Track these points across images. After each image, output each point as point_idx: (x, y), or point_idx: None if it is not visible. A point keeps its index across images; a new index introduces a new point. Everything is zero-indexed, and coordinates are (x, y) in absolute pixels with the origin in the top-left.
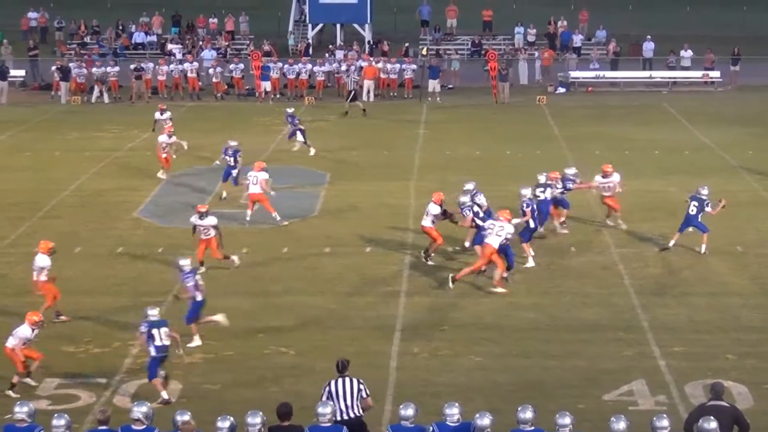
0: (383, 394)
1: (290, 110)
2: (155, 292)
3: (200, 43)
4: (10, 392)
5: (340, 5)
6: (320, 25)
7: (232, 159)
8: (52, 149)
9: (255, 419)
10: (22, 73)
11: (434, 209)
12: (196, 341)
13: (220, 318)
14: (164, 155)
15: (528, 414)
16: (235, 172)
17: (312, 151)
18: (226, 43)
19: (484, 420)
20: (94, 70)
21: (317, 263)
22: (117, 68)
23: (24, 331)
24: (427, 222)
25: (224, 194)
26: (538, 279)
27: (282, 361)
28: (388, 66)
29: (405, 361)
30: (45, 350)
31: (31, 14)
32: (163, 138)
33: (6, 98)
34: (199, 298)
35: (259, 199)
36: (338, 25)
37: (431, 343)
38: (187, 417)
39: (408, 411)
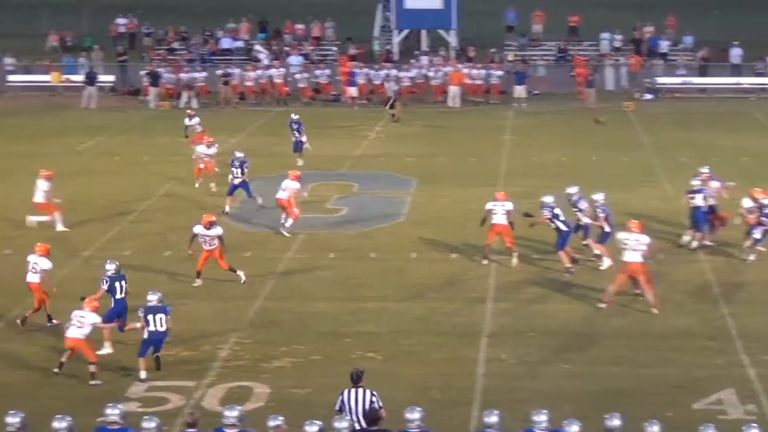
0: (470, 401)
1: (295, 116)
2: (241, 296)
3: (287, 48)
4: (95, 381)
5: (426, 11)
6: (406, 31)
7: (239, 170)
8: (141, 153)
9: (342, 423)
10: (111, 78)
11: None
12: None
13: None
14: (201, 165)
15: (616, 422)
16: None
17: (300, 162)
18: (313, 49)
19: (573, 428)
20: (182, 75)
21: (404, 268)
22: (205, 74)
23: (92, 318)
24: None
25: (227, 208)
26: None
27: (369, 365)
28: (473, 72)
29: (492, 367)
30: (134, 353)
31: (121, 20)
32: (201, 149)
33: (96, 103)
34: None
35: (284, 205)
36: (424, 31)
37: (518, 349)
38: (279, 421)
39: (492, 418)
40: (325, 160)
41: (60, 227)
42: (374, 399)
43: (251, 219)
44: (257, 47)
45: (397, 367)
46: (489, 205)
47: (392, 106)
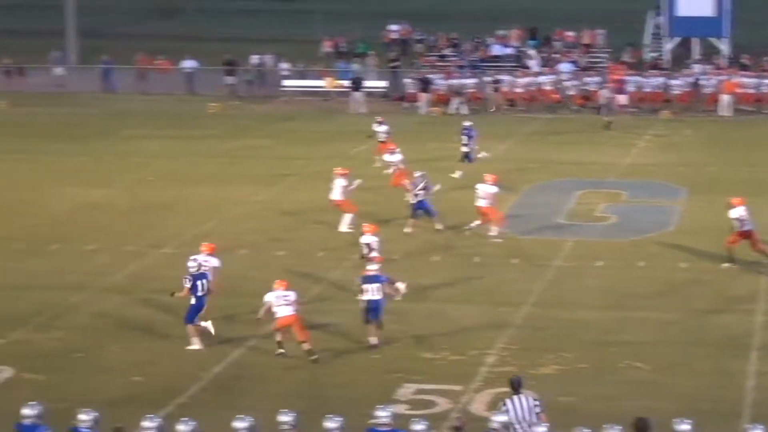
0: (739, 414)
1: (468, 123)
2: (509, 302)
3: (557, 55)
4: (314, 357)
5: (698, 19)
6: (677, 39)
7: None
8: (411, 159)
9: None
10: (383, 84)
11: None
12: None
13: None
14: (392, 171)
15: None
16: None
17: (458, 174)
18: (582, 56)
19: None
20: (452, 81)
21: (672, 278)
22: (475, 80)
23: (293, 294)
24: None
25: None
26: None
27: (637, 376)
28: (745, 80)
29: (763, 380)
30: (404, 356)
31: (393, 27)
32: (387, 157)
33: (365, 108)
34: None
35: (485, 212)
36: (695, 39)
37: None
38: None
39: None
40: (594, 168)
41: (344, 228)
42: (537, 403)
43: (521, 225)
44: (529, 53)
45: (664, 378)
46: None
47: (605, 113)
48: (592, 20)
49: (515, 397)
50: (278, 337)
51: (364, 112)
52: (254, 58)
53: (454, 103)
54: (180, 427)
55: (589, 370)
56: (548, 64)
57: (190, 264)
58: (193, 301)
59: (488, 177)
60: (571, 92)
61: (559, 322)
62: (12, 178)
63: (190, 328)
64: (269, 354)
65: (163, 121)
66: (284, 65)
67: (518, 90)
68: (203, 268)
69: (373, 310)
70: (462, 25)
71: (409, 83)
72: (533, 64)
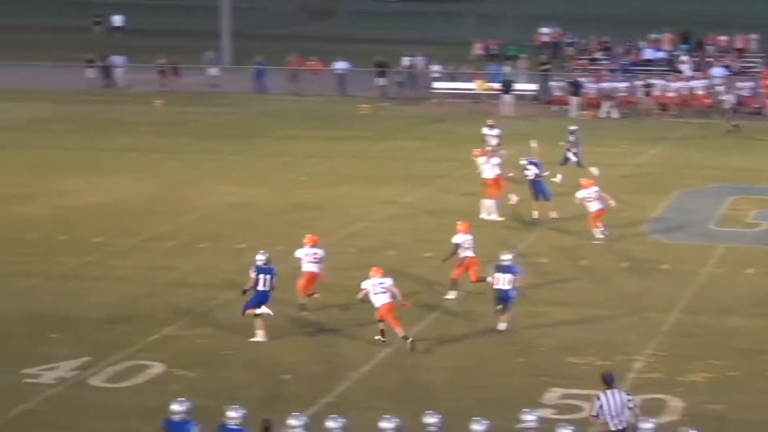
0: None
1: (573, 127)
2: (656, 308)
3: (710, 60)
4: (411, 341)
5: None
6: None
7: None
8: (553, 163)
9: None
10: (533, 87)
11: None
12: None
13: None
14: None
15: None
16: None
17: (558, 177)
18: (736, 61)
19: None
20: (603, 85)
21: None
22: (626, 84)
23: (389, 281)
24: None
25: (535, 214)
26: None
27: None
28: None
29: None
30: (550, 360)
31: (545, 30)
32: (481, 160)
33: (514, 111)
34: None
35: (595, 214)
36: None
37: None
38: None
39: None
40: (746, 174)
41: (487, 215)
42: (630, 398)
43: (671, 231)
44: (681, 57)
45: None
46: None
47: (731, 118)
48: (745, 24)
49: (608, 392)
50: (381, 326)
51: (513, 115)
52: (405, 60)
53: (605, 107)
54: (329, 423)
55: (739, 378)
56: (700, 68)
57: (258, 257)
58: (253, 293)
59: (585, 181)
60: (724, 97)
61: (709, 329)
62: (165, 177)
63: (257, 321)
64: (416, 355)
65: (314, 122)
66: (435, 67)
67: (670, 94)
68: (313, 258)
69: (503, 299)
70: (614, 28)
71: (558, 86)
72: (686, 68)
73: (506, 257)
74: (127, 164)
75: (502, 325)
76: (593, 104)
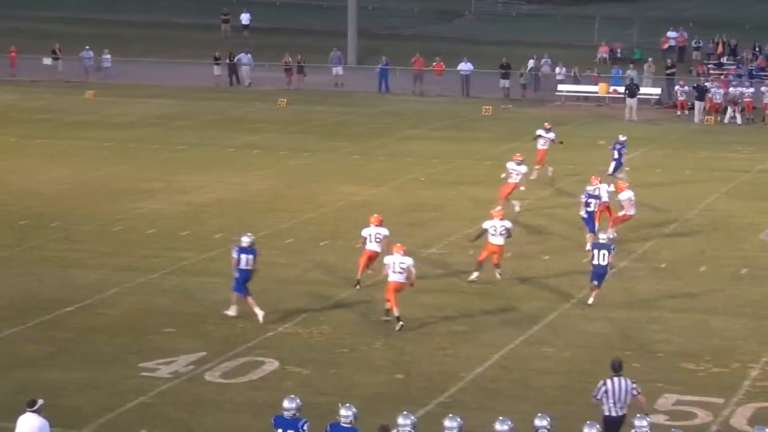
0: None
1: (623, 138)
2: None
3: None
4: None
5: None
6: None
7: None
8: (683, 167)
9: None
10: (657, 91)
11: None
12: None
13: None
14: (511, 180)
15: None
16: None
17: (622, 176)
18: None
19: None
20: (729, 90)
21: None
22: (752, 89)
23: (408, 260)
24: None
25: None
26: None
27: None
28: None
29: None
30: (665, 366)
31: (671, 33)
32: (511, 165)
33: (636, 115)
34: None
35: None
36: None
37: None
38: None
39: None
40: None
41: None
42: (634, 386)
43: None
44: None
45: None
46: None
47: None
48: None
49: (615, 378)
50: (387, 305)
51: (636, 119)
52: (530, 62)
53: (730, 112)
54: (446, 422)
55: None
56: None
57: (243, 239)
58: (236, 273)
59: (619, 184)
60: None
61: None
62: (287, 175)
63: (233, 295)
64: (530, 358)
65: (436, 123)
66: (559, 70)
67: None
68: (375, 237)
69: (597, 274)
70: (742, 32)
71: (681, 91)
72: None
73: (603, 236)
74: (250, 161)
75: (591, 300)
76: (717, 109)
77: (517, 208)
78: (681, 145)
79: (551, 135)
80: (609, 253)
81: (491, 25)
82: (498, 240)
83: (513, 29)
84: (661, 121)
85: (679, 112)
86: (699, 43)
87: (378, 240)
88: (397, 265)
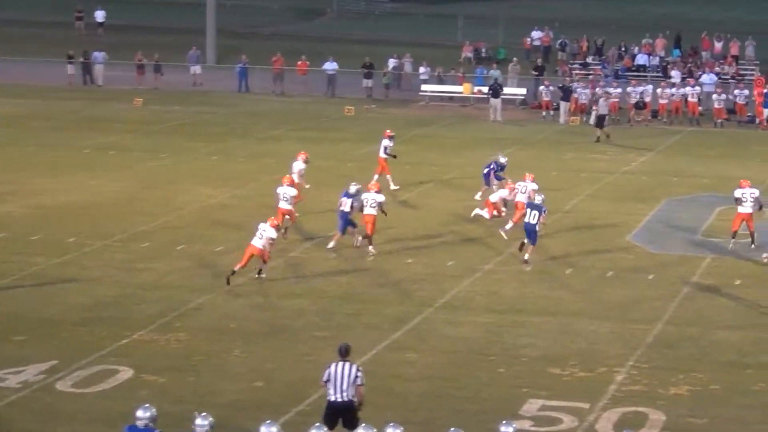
0: None
1: (503, 159)
2: (642, 319)
3: (702, 66)
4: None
5: None
6: None
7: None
8: (549, 169)
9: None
10: (522, 91)
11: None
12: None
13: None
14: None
15: None
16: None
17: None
18: (729, 68)
19: None
20: (597, 90)
21: None
22: (618, 90)
23: (270, 232)
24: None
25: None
26: None
27: None
28: None
29: None
30: (531, 371)
31: (535, 33)
32: (385, 141)
33: (501, 116)
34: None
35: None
36: None
37: None
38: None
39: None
40: (735, 183)
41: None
42: (359, 374)
43: (657, 240)
44: (671, 63)
45: None
46: None
47: (601, 126)
48: (741, 32)
49: (340, 363)
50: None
51: (501, 120)
52: (392, 61)
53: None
54: (503, 429)
55: (722, 392)
56: (691, 75)
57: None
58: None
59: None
60: (716, 105)
61: (693, 341)
62: (143, 177)
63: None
64: (394, 364)
65: (298, 123)
66: (422, 69)
67: (662, 101)
68: (282, 197)
69: (528, 232)
70: (608, 33)
71: (546, 91)
72: (676, 75)
73: (538, 198)
74: (105, 163)
75: (527, 256)
76: (583, 110)
77: (392, 186)
78: (546, 146)
79: (393, 143)
80: (540, 214)
81: (354, 24)
82: (370, 211)
83: (376, 28)
84: (527, 122)
85: (544, 113)
86: (564, 43)
87: (285, 199)
88: (260, 231)
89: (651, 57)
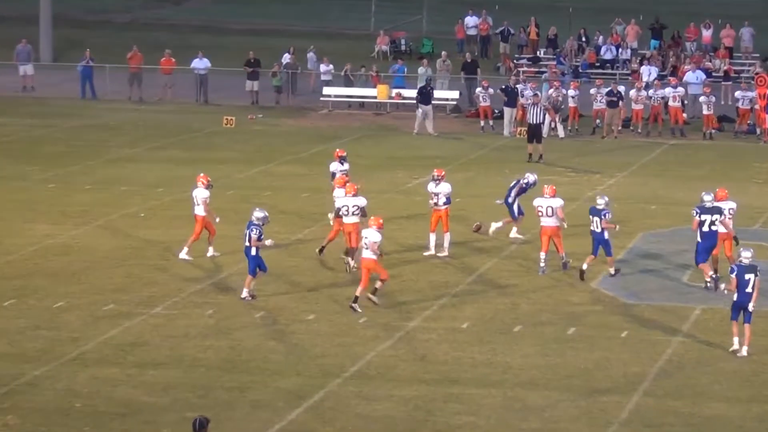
0: None
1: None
2: (613, 389)
3: (687, 60)
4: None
5: None
6: None
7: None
8: (489, 195)
9: None
10: (454, 95)
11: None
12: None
13: None
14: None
15: None
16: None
17: None
18: (721, 63)
19: None
20: (551, 92)
21: None
22: (578, 92)
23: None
24: None
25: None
26: None
27: None
28: None
29: None
30: None
31: (470, 19)
32: (334, 165)
33: (432, 127)
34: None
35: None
36: None
37: None
38: None
39: None
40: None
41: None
42: None
43: (630, 287)
44: (648, 56)
45: None
46: None
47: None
48: (734, 16)
49: None
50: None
51: (432, 132)
52: (285, 58)
53: (548, 122)
54: None
55: None
56: (674, 72)
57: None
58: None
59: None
60: (705, 110)
61: (681, 418)
62: None
63: None
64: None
65: (162, 140)
66: (325, 67)
67: (636, 107)
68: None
69: (595, 240)
70: (563, 19)
71: (485, 95)
72: (653, 71)
73: (600, 201)
74: None
75: (585, 266)
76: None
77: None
78: (486, 165)
79: (346, 166)
80: (601, 219)
81: (235, 9)
82: (352, 219)
83: (264, 14)
84: (461, 134)
85: (482, 123)
86: (507, 31)
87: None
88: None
89: (621, 49)
